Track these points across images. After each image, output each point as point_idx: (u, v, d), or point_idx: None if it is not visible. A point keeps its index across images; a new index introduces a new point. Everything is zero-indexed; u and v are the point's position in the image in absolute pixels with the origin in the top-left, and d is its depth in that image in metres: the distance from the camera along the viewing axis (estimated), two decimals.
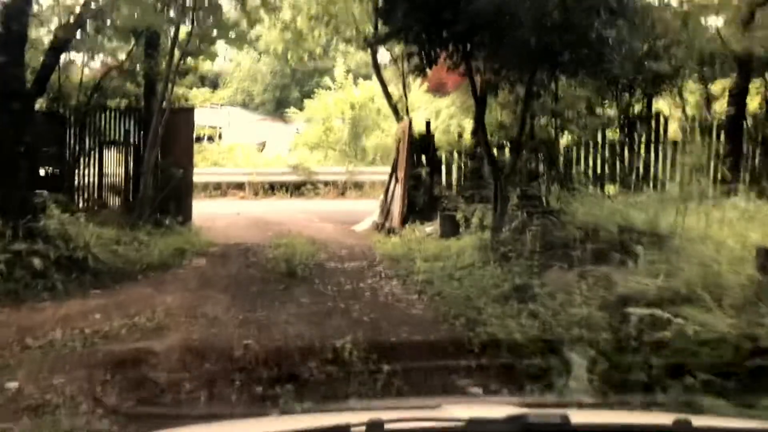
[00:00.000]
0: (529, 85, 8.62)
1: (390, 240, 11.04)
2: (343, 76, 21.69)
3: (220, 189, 19.86)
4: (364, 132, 20.63)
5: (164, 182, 11.09)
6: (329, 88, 23.64)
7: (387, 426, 1.52)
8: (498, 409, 1.68)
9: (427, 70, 8.84)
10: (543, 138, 11.14)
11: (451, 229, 10.65)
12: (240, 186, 19.97)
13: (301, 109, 24.79)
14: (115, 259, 7.70)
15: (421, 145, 12.77)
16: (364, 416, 1.55)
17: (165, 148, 11.43)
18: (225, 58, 48.08)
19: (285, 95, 37.60)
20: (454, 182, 13.24)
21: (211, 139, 25.83)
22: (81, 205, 11.39)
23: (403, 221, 11.99)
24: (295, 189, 19.70)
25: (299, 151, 22.87)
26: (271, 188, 19.82)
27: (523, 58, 8.00)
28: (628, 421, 1.86)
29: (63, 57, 11.65)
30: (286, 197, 19.41)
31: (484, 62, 8.89)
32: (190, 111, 12.01)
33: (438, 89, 25.46)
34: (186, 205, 11.60)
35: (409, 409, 1.73)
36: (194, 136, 13.67)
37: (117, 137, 12.28)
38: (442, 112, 21.91)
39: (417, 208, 12.32)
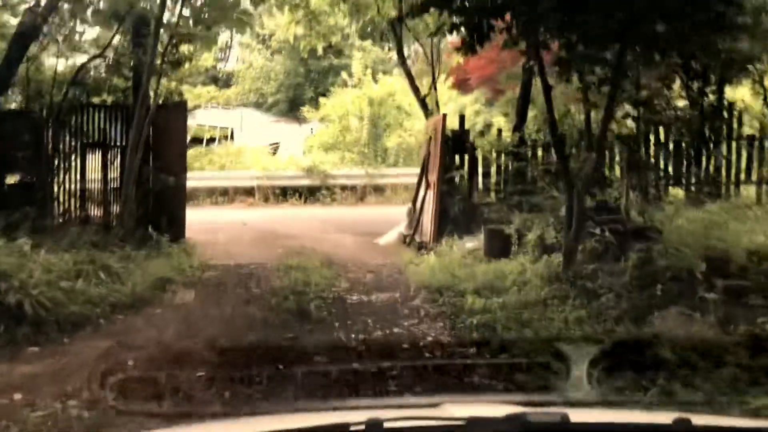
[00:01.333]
0: (618, 65, 6.50)
1: (424, 259, 8.99)
2: (361, 71, 19.69)
3: (227, 195, 17.91)
4: (385, 131, 18.60)
5: (151, 192, 9.13)
6: (346, 84, 21.65)
7: (386, 425, 1.49)
8: (498, 409, 1.66)
9: (477, 47, 6.81)
10: (622, 133, 9.00)
11: (499, 247, 8.59)
12: (249, 191, 18.00)
13: (315, 108, 22.77)
14: (71, 299, 5.72)
15: (454, 143, 10.70)
16: (363, 415, 1.51)
17: (152, 152, 9.48)
18: (237, 58, 46.43)
19: (299, 95, 35.67)
20: (492, 186, 11.17)
21: (219, 140, 23.93)
22: (60, 219, 9.47)
23: (437, 234, 9.94)
24: (310, 194, 17.70)
25: (314, 153, 20.88)
26: (283, 194, 17.83)
27: (611, 28, 5.93)
28: (628, 420, 1.82)
29: (34, 46, 9.80)
30: (299, 204, 17.41)
31: (551, 36, 6.78)
32: (181, 107, 10.00)
33: (460, 86, 23.38)
34: (178, 218, 9.62)
35: (408, 408, 1.76)
36: (187, 136, 11.69)
37: (102, 139, 10.35)
38: (466, 109, 19.87)
39: (452, 218, 10.26)
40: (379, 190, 17.67)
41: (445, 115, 10.46)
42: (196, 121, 29.45)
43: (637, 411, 2.75)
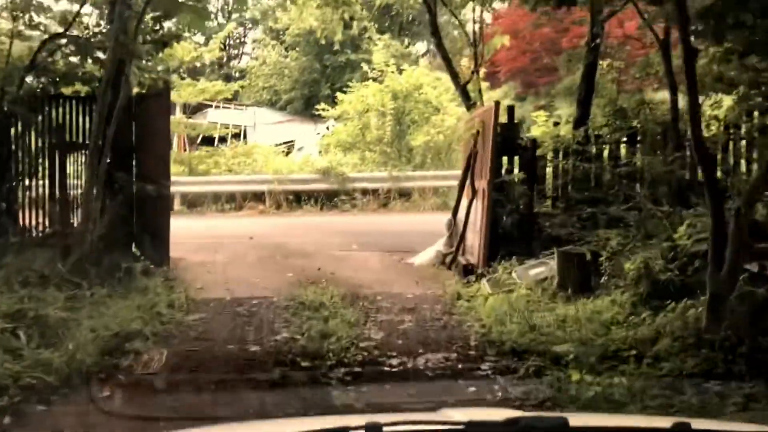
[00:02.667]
0: None
1: (476, 291, 6.81)
2: (384, 62, 17.53)
3: (234, 202, 15.82)
4: (410, 128, 16.44)
5: (123, 204, 7.02)
6: (366, 78, 19.48)
7: (385, 429, 1.46)
8: (496, 413, 1.64)
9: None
10: None
11: (578, 277, 6.40)
12: (259, 197, 15.91)
13: (332, 105, 20.56)
14: None
15: (503, 141, 8.48)
16: (362, 419, 1.47)
17: (126, 153, 7.39)
18: (251, 55, 44.46)
19: (314, 92, 33.58)
20: (548, 192, 8.93)
21: (231, 140, 21.86)
22: (16, 239, 7.40)
23: (488, 255, 7.76)
24: (327, 200, 15.56)
25: (330, 154, 18.77)
26: (297, 199, 15.70)
27: None
28: (627, 424, 1.78)
29: None
30: (315, 211, 15.28)
31: None
32: (162, 98, 7.81)
33: (487, 79, 21.05)
34: (160, 237, 7.48)
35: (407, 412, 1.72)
36: (170, 132, 9.60)
37: (76, 138, 8.28)
38: None
39: (505, 234, 8.08)
40: (404, 194, 15.49)
41: (498, 104, 8.23)
42: (207, 119, 27.53)
43: (636, 415, 2.46)
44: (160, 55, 8.51)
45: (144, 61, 8.09)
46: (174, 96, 17.24)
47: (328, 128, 30.84)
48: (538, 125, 16.74)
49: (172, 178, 15.64)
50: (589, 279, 6.44)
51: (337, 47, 35.18)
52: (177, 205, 15.68)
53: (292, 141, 31.65)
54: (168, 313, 5.83)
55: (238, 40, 51.14)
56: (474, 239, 8.24)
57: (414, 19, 36.36)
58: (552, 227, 7.95)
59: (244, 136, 30.75)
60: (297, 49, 37.56)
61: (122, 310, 5.48)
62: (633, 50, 9.81)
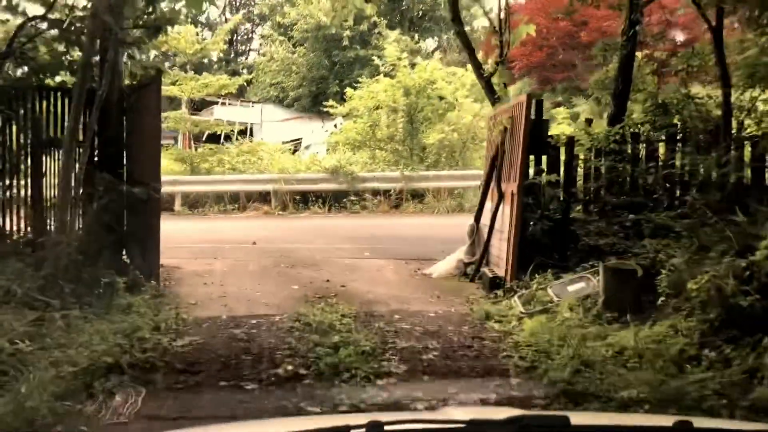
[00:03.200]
0: None
1: (507, 310, 5.93)
2: (396, 55, 16.61)
3: (238, 202, 14.97)
4: (423, 125, 15.54)
5: (108, 210, 6.16)
6: (377, 72, 18.62)
7: (387, 428, 1.46)
8: (498, 412, 1.62)
9: None
10: None
11: (627, 296, 5.50)
12: (264, 197, 15.07)
13: (341, 102, 19.66)
14: None
15: (531, 138, 7.55)
16: (365, 418, 1.47)
17: (115, 152, 6.53)
18: (259, 51, 43.61)
19: (323, 89, 32.78)
20: (579, 194, 7.99)
21: (237, 137, 21.10)
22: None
23: (518, 266, 6.87)
24: (335, 200, 14.69)
25: (339, 152, 17.93)
26: (304, 200, 14.84)
27: None
28: (629, 423, 1.78)
29: None
30: (322, 213, 14.42)
31: None
32: (153, 87, 6.93)
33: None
34: (149, 245, 6.59)
35: (409, 411, 1.77)
36: (161, 128, 8.80)
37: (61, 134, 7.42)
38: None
39: (534, 242, 7.18)
40: (417, 195, 14.61)
41: (531, 97, 7.32)
42: (213, 117, 26.66)
43: (638, 414, 2.37)
44: (153, 42, 7.64)
45: (135, 48, 7.23)
46: (176, 90, 16.44)
47: (336, 126, 29.99)
48: (558, 122, 15.73)
49: (173, 177, 14.81)
50: (639, 297, 5.56)
51: (346, 43, 34.45)
52: (177, 205, 14.87)
53: (299, 139, 30.80)
54: (152, 337, 4.96)
55: (245, 36, 50.36)
56: (501, 248, 7.35)
57: (424, 14, 35.46)
58: (589, 236, 7.05)
59: (251, 134, 29.94)
60: (305, 45, 36.70)
61: (96, 336, 4.62)
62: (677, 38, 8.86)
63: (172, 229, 8.81)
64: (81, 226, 5.80)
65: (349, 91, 18.83)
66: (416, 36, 32.43)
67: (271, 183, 14.96)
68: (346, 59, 34.81)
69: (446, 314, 6.13)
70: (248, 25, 49.23)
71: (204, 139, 26.31)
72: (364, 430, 1.43)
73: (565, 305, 5.64)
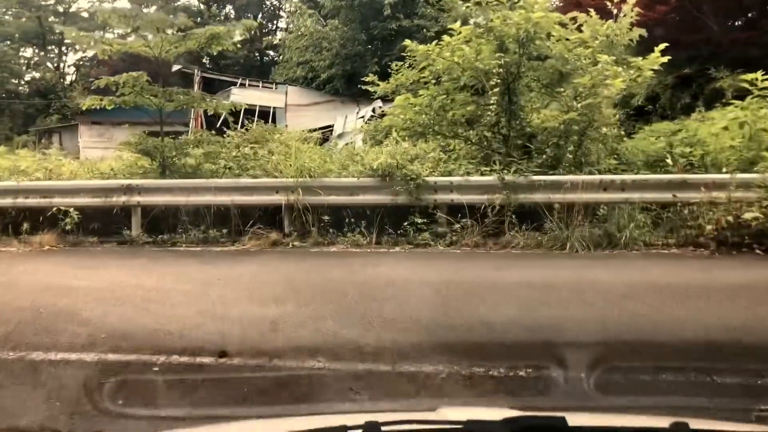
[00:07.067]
0: None
1: None
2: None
3: (228, 223, 8.97)
4: (531, 100, 9.38)
5: None
6: (442, 32, 12.37)
7: (384, 428, 1.42)
8: (495, 412, 1.57)
9: None
10: None
11: None
12: (273, 215, 9.08)
13: (384, 77, 13.36)
14: None
15: None
16: (361, 419, 1.43)
17: None
18: (287, 30, 37.61)
19: (358, 68, 26.62)
20: None
21: (255, 123, 15.02)
22: None
23: None
24: (389, 221, 8.64)
25: (386, 144, 11.85)
26: (337, 220, 8.80)
27: None
28: (625, 424, 1.72)
29: None
30: (367, 244, 8.35)
31: None
32: None
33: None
34: None
35: (405, 412, 1.61)
36: None
37: None
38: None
39: None
40: (526, 214, 8.41)
41: None
42: (230, 99, 20.19)
43: (635, 415, 2.16)
44: None
45: None
46: (138, 46, 10.42)
47: (374, 110, 23.75)
48: None
49: (127, 182, 8.94)
50: None
51: (387, 12, 28.12)
52: (135, 227, 8.96)
53: (329, 126, 24.69)
54: None
55: (271, 11, 44.36)
56: None
57: None
58: None
59: (273, 120, 23.99)
60: (337, 17, 30.54)
61: None
62: None
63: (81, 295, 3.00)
64: None
65: (396, 64, 12.62)
66: None
67: (283, 192, 8.93)
68: (387, 32, 28.53)
69: None
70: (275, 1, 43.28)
71: (219, 124, 20.57)
72: (361, 430, 1.39)
73: None
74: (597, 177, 8.39)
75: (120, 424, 3.36)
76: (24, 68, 42.04)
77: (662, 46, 9.17)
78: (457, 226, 8.24)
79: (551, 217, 8.04)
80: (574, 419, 1.49)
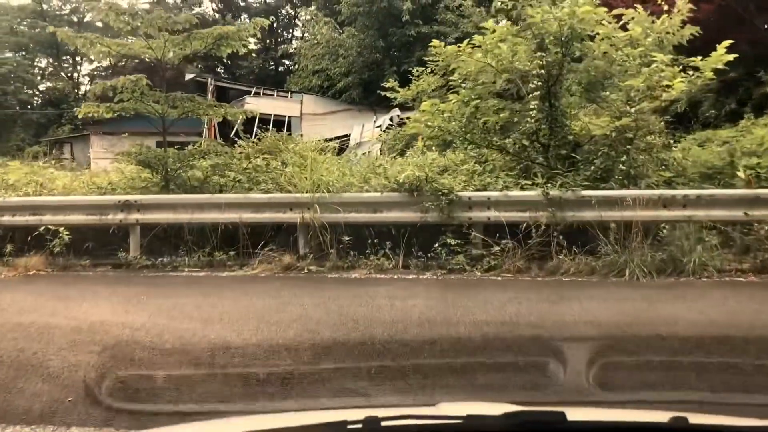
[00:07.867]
0: None
1: None
2: None
3: (236, 244, 7.98)
4: (573, 105, 8.30)
5: None
6: (463, 37, 11.35)
7: (384, 423, 1.41)
8: (495, 407, 1.56)
9: None
10: None
11: None
12: (287, 235, 8.06)
13: (403, 85, 12.41)
14: None
15: None
16: (361, 413, 1.42)
17: None
18: (303, 38, 36.78)
19: (375, 76, 25.67)
20: None
21: (270, 132, 14.09)
22: None
23: None
24: (417, 242, 7.59)
25: (412, 155, 10.86)
26: (359, 240, 7.77)
27: None
28: (625, 418, 1.71)
29: None
30: (393, 268, 7.31)
31: None
32: None
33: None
34: None
35: (406, 407, 1.58)
36: None
37: None
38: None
39: None
40: (575, 235, 7.32)
41: None
42: (243, 107, 19.31)
43: (634, 409, 2.18)
44: None
45: None
46: (139, 47, 9.48)
47: (392, 119, 22.72)
48: None
49: (124, 198, 7.94)
50: None
51: (406, 17, 27.15)
52: (133, 248, 7.97)
53: (346, 135, 23.72)
54: None
55: (286, 20, 43.65)
56: None
57: None
58: None
59: (288, 128, 23.08)
60: (354, 24, 29.67)
61: None
62: None
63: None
64: None
65: (416, 70, 11.66)
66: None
67: (297, 208, 7.91)
68: (405, 39, 27.57)
69: None
70: (288, 8, 42.55)
71: (233, 133, 19.72)
72: (361, 426, 1.39)
73: None
74: (657, 192, 7.28)
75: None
76: (38, 78, 41.61)
77: (726, 42, 8.07)
78: (497, 248, 7.15)
79: (606, 239, 6.93)
80: (573, 414, 1.47)
